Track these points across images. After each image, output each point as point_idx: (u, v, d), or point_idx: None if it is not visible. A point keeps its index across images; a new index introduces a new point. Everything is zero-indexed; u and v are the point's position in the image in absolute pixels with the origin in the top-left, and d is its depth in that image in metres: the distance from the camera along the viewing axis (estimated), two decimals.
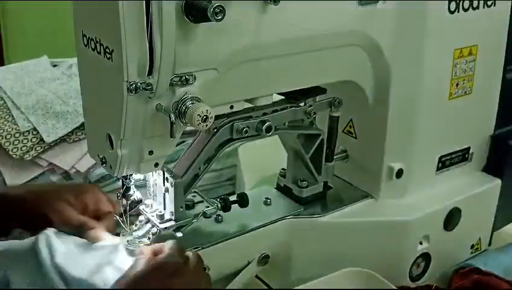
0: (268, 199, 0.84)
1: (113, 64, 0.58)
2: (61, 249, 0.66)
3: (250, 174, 1.11)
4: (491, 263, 0.90)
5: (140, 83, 0.58)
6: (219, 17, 0.57)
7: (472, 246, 0.95)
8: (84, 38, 0.61)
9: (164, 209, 0.73)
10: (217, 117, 0.70)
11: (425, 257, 0.88)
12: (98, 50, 0.59)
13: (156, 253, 0.66)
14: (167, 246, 0.66)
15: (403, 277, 0.85)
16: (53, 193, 0.74)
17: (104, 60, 0.59)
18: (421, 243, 0.86)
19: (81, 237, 0.70)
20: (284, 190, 0.87)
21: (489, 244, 0.98)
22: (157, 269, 0.62)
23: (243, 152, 1.14)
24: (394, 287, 0.75)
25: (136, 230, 0.74)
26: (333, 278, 0.77)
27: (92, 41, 0.60)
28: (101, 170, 1.00)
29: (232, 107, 0.71)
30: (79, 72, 0.66)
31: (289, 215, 0.81)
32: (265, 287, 0.86)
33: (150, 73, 0.59)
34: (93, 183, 0.96)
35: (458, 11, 0.80)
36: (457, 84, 0.85)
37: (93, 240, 0.69)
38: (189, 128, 0.67)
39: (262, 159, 1.09)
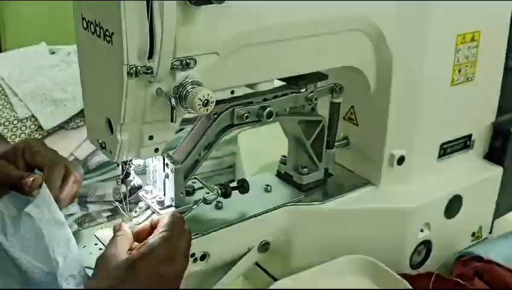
0: (268, 185, 0.83)
1: (113, 48, 0.57)
2: None
3: (250, 162, 1.11)
4: (492, 251, 0.89)
5: (141, 67, 0.57)
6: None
7: (473, 234, 0.95)
8: (84, 21, 0.60)
9: (164, 195, 0.73)
10: (217, 102, 0.69)
11: (426, 244, 0.87)
12: (98, 33, 0.58)
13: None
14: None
15: (404, 264, 0.85)
16: None
17: (104, 43, 0.58)
18: (422, 231, 0.86)
19: (22, 191, 0.65)
20: (284, 177, 0.86)
21: (490, 232, 0.98)
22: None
23: (243, 140, 1.14)
24: (397, 275, 0.75)
25: (135, 216, 0.73)
26: (335, 264, 0.77)
27: (92, 25, 0.59)
28: (100, 158, 0.99)
29: (232, 92, 0.70)
30: (78, 56, 0.65)
31: (290, 203, 0.81)
32: (266, 275, 0.86)
33: (151, 56, 0.58)
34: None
35: None
36: (459, 71, 0.85)
37: (30, 189, 0.64)
38: (187, 115, 0.67)
39: (261, 147, 1.08)
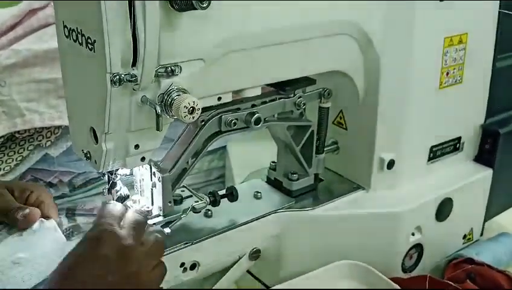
0: (258, 192, 0.82)
1: (95, 56, 0.56)
2: None
3: (240, 171, 1.10)
4: (483, 253, 0.89)
5: (124, 75, 0.56)
6: (204, 5, 0.55)
7: (464, 237, 0.95)
8: (65, 29, 0.59)
9: (152, 204, 0.72)
10: (204, 109, 0.68)
11: (418, 248, 0.87)
12: (80, 41, 0.57)
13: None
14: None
15: (396, 269, 0.85)
16: None
17: (86, 51, 0.57)
18: (413, 235, 0.85)
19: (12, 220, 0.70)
20: (274, 183, 0.85)
21: (481, 234, 0.98)
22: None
23: (233, 149, 1.13)
24: (388, 280, 0.74)
25: None
26: (327, 271, 0.76)
27: (74, 32, 0.58)
28: (85, 174, 0.98)
29: (219, 99, 0.69)
30: (61, 65, 0.64)
31: (280, 209, 0.80)
32: (257, 283, 0.85)
33: (134, 64, 0.57)
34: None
35: None
36: (447, 74, 0.84)
37: (23, 219, 0.70)
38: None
39: (251, 155, 1.07)
